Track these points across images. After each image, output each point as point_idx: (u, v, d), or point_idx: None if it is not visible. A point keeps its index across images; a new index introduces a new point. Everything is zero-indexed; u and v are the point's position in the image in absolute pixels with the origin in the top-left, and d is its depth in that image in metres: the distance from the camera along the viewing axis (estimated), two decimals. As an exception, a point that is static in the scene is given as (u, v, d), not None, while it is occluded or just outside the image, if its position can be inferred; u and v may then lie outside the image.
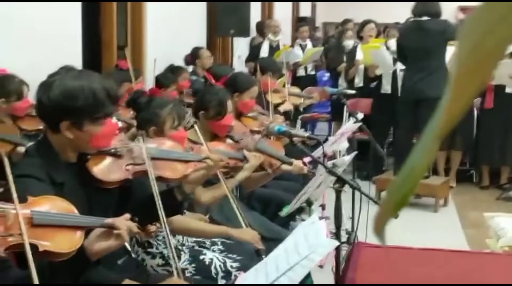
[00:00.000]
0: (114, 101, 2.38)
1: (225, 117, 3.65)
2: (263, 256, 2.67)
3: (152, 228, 2.14)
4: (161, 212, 2.32)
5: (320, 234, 2.08)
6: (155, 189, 2.34)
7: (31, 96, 4.04)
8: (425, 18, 6.10)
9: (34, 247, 1.84)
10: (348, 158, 3.34)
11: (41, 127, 3.92)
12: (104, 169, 2.37)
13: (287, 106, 5.83)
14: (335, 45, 9.07)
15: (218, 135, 3.69)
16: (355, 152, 3.89)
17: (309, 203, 3.41)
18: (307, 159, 3.84)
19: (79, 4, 5.53)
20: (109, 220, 2.03)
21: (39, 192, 2.09)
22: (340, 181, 2.72)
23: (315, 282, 3.58)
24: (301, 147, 2.81)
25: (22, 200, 1.91)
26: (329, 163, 2.96)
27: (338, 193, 2.72)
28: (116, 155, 2.44)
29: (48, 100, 2.23)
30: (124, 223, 2.03)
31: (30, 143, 3.57)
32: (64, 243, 1.92)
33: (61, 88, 2.24)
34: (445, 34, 6.00)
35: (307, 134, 3.58)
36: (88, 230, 2.03)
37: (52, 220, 1.94)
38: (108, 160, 2.41)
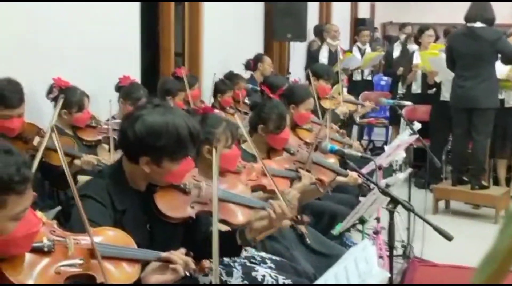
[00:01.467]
0: (196, 142, 2.41)
1: (283, 131, 3.66)
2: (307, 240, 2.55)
3: (206, 263, 2.15)
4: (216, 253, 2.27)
5: (371, 261, 2.05)
6: (216, 233, 2.28)
7: (91, 107, 4.15)
8: (478, 24, 5.99)
9: (92, 278, 1.88)
10: (402, 176, 3.30)
11: (100, 138, 4.03)
12: (170, 204, 2.40)
13: (343, 109, 5.76)
14: (401, 50, 8.94)
15: (275, 148, 3.70)
16: (409, 170, 3.83)
17: (362, 220, 3.38)
18: (364, 170, 3.81)
19: (137, 12, 5.62)
20: (165, 254, 2.05)
21: (96, 215, 2.15)
22: (394, 202, 2.68)
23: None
24: (353, 166, 2.78)
25: (83, 230, 1.94)
26: (382, 182, 2.92)
27: (391, 214, 2.68)
28: (184, 191, 2.47)
29: (133, 134, 2.29)
30: (180, 257, 2.05)
31: (94, 156, 3.68)
32: (121, 275, 1.96)
33: (146, 124, 2.28)
34: (496, 45, 5.92)
35: (360, 154, 3.54)
36: (144, 263, 2.05)
37: (111, 252, 1.98)
38: (175, 195, 2.45)
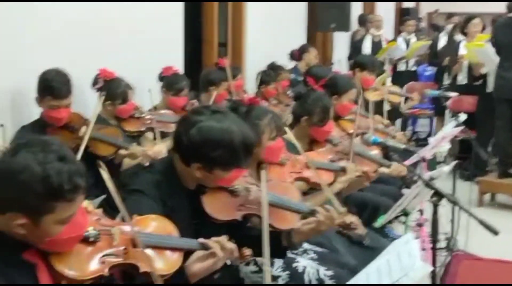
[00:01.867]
0: (250, 154, 2.40)
1: (327, 123, 3.64)
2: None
3: (247, 251, 2.16)
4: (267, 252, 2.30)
5: (413, 255, 2.03)
6: (266, 236, 2.29)
7: (134, 98, 4.19)
8: None
9: (135, 267, 1.91)
10: (446, 168, 3.24)
11: (143, 129, 4.07)
12: (217, 206, 2.42)
13: (385, 107, 5.71)
14: (448, 40, 8.78)
15: (317, 140, 3.69)
16: (454, 162, 3.77)
17: (405, 213, 3.34)
18: (407, 162, 3.77)
19: (181, 3, 5.65)
20: (204, 240, 2.07)
21: (147, 210, 2.18)
22: (438, 195, 2.64)
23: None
24: (396, 159, 2.74)
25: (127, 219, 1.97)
26: (426, 175, 2.88)
27: (435, 207, 2.64)
28: (233, 193, 2.49)
29: (187, 140, 2.30)
30: (222, 244, 2.07)
31: (133, 144, 3.72)
32: (163, 264, 1.98)
33: (202, 133, 2.29)
34: None
35: (403, 146, 3.50)
36: (188, 252, 2.07)
37: (154, 241, 2.00)
38: (223, 196, 2.46)
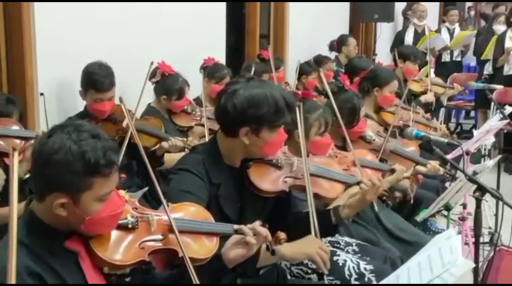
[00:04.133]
0: (292, 110, 2.48)
1: (357, 124, 3.62)
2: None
3: (282, 235, 2.17)
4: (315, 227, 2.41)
5: (455, 251, 2.01)
6: (312, 206, 2.40)
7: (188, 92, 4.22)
8: None
9: (173, 253, 1.95)
10: (490, 163, 3.19)
11: (193, 124, 4.11)
12: (263, 178, 2.49)
13: (429, 97, 5.65)
14: (486, 30, 8.61)
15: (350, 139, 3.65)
16: (499, 156, 3.70)
17: (447, 207, 3.30)
18: (450, 155, 3.72)
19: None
20: (237, 226, 2.10)
21: (193, 187, 2.30)
22: (481, 190, 2.60)
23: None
24: (439, 153, 2.71)
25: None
26: (470, 169, 2.84)
27: (478, 202, 2.60)
28: (277, 166, 2.55)
29: (233, 107, 2.37)
30: (255, 230, 2.08)
31: (181, 138, 3.76)
32: (200, 249, 2.02)
33: (246, 95, 2.37)
34: None
35: (446, 140, 3.45)
36: (224, 237, 2.10)
37: (189, 227, 2.04)
38: (268, 169, 2.53)
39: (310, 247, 2.33)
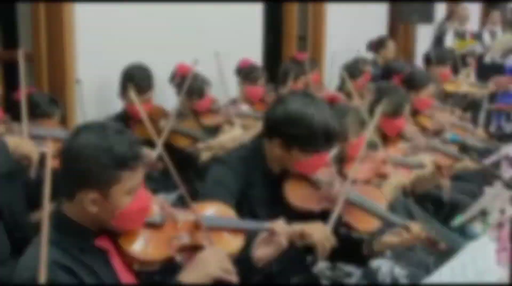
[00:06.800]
0: (331, 141, 2.41)
1: (399, 117, 3.58)
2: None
3: None
4: None
5: (490, 258, 1.99)
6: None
7: (213, 91, 4.25)
8: None
9: (201, 248, 1.97)
10: (530, 168, 3.13)
11: (221, 122, 4.12)
12: (297, 195, 2.43)
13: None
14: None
15: (389, 135, 3.62)
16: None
17: (484, 213, 3.24)
18: (488, 160, 3.65)
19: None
20: (269, 225, 2.11)
21: (227, 181, 2.37)
22: (519, 196, 2.55)
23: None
24: (474, 159, 2.67)
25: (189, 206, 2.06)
26: (508, 174, 2.79)
27: (516, 208, 2.56)
28: (315, 185, 2.48)
29: (272, 115, 2.40)
30: (283, 228, 2.10)
31: (208, 139, 3.78)
32: (226, 245, 2.05)
33: (286, 109, 2.36)
34: None
35: (483, 144, 3.39)
36: (251, 235, 2.12)
37: (216, 223, 2.08)
38: (305, 187, 2.46)
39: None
